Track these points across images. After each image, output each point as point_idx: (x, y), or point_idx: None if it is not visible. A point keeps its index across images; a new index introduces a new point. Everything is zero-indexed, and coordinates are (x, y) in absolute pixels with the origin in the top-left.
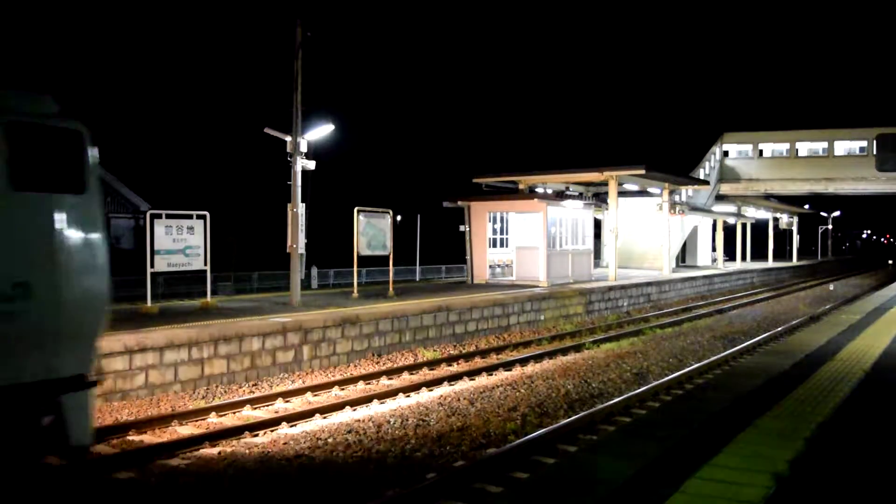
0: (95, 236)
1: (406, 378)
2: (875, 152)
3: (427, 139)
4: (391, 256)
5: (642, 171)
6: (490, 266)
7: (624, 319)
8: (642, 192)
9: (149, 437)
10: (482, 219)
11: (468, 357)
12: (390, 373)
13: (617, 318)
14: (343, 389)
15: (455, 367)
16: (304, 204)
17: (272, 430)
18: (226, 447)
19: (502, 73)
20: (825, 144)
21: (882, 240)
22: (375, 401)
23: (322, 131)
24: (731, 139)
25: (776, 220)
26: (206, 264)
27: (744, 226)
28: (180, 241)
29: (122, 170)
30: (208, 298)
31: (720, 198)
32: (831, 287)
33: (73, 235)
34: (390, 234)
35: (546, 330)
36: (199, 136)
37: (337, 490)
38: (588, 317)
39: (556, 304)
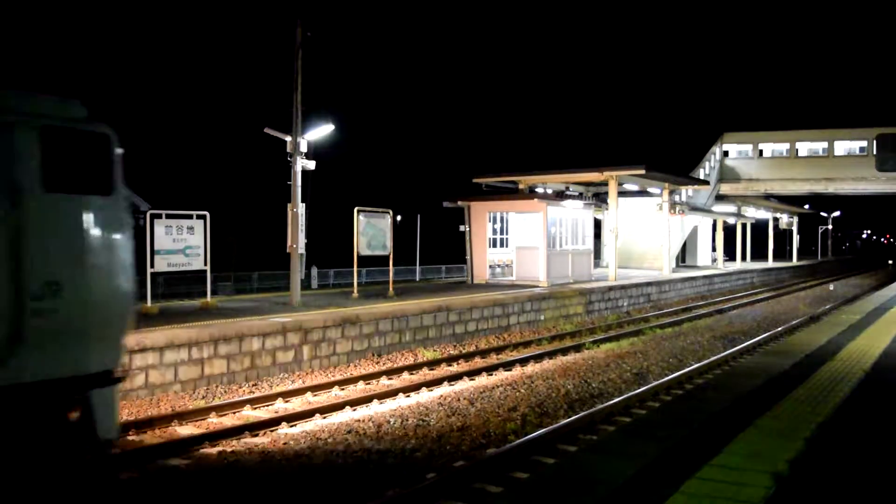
0: (121, 236)
1: (406, 378)
2: (875, 152)
3: (427, 139)
4: (391, 256)
5: (642, 171)
6: (490, 266)
7: (624, 319)
8: (642, 192)
9: (149, 437)
10: (482, 219)
11: (468, 357)
12: (390, 373)
13: (617, 318)
14: (343, 389)
15: (455, 367)
16: (304, 204)
17: (272, 430)
18: (226, 447)
19: (502, 73)
20: (825, 144)
21: (882, 240)
22: (375, 401)
23: (322, 131)
24: (731, 139)
25: (776, 220)
26: (206, 264)
27: (744, 226)
28: (180, 241)
29: (122, 169)
30: (208, 298)
31: (720, 198)
32: (831, 287)
33: (101, 235)
34: (390, 234)
35: (546, 330)
36: (199, 135)
37: (337, 490)
38: (588, 317)
39: (556, 304)
